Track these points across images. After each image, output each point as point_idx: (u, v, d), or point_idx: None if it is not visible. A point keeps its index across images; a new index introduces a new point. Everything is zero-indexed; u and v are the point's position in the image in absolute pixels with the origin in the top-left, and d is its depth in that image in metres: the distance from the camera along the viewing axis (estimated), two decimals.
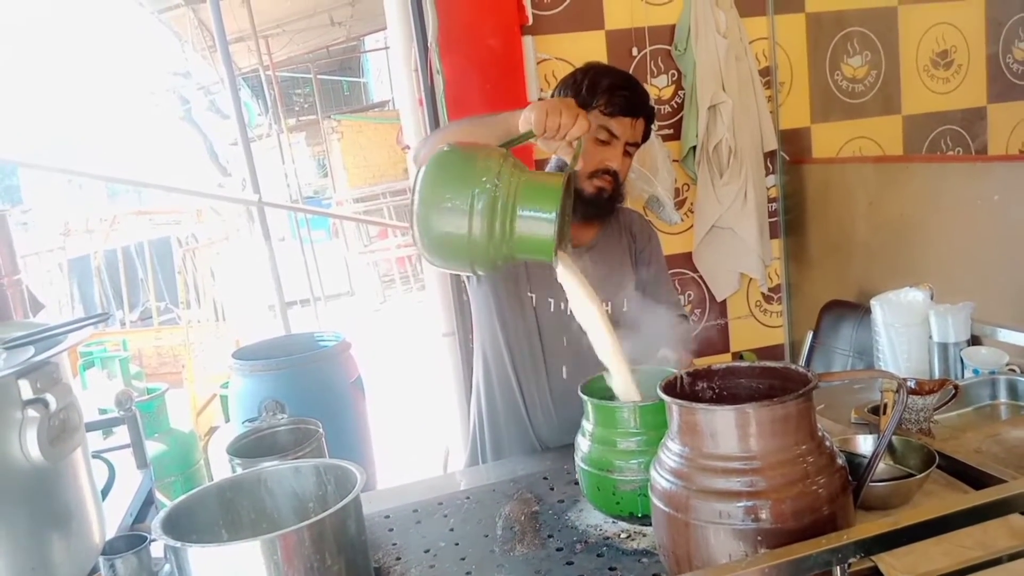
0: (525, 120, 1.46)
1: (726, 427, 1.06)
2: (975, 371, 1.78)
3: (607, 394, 1.45)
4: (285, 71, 11.78)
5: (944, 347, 1.83)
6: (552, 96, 1.86)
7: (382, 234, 10.07)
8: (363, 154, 11.07)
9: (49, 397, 1.12)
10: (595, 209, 1.80)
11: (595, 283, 1.78)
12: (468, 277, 1.93)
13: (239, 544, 1.12)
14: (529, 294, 1.84)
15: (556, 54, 2.85)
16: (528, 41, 2.71)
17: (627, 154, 1.78)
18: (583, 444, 1.44)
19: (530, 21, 2.71)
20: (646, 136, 1.82)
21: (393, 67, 2.90)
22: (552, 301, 1.79)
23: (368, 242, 10.23)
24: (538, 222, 1.31)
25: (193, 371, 5.01)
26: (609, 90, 1.74)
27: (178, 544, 1.08)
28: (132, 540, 1.34)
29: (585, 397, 1.43)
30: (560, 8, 2.82)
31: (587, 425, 1.44)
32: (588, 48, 2.88)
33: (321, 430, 1.55)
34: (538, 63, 2.78)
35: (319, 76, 12.16)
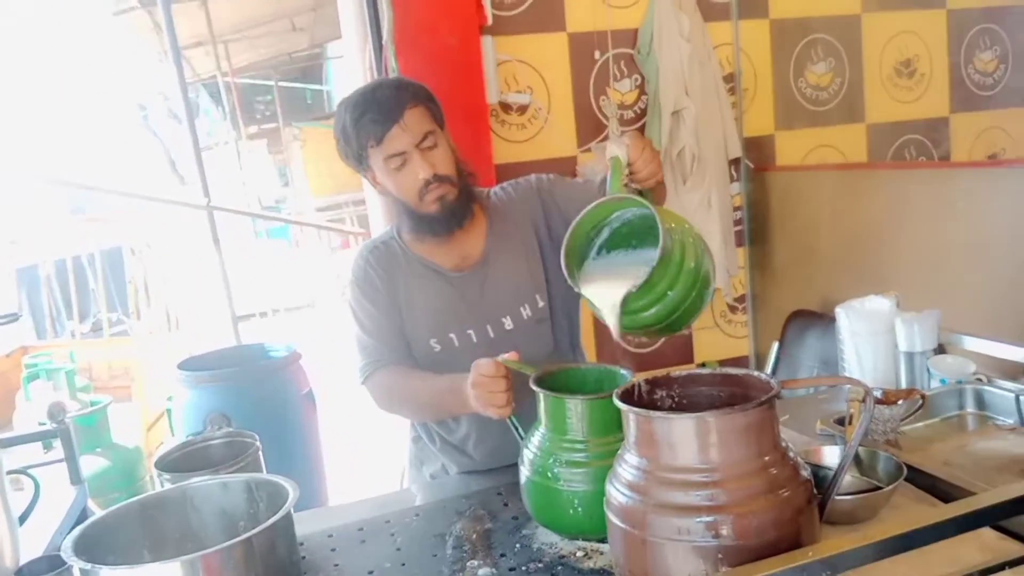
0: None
1: (685, 437, 1.01)
2: (942, 380, 1.74)
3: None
4: (246, 78, 11.63)
5: (910, 356, 1.79)
6: (340, 150, 1.68)
7: (344, 243, 9.94)
8: (325, 163, 10.94)
9: None
10: (455, 216, 1.65)
11: (496, 301, 1.70)
12: None
13: (156, 566, 1.03)
14: (432, 343, 1.72)
15: (517, 56, 2.79)
16: (488, 41, 2.65)
17: (430, 149, 1.59)
18: (527, 454, 1.36)
19: (489, 21, 2.65)
20: (436, 112, 1.64)
21: (347, 65, 2.81)
22: (454, 337, 1.71)
23: (330, 252, 10.10)
24: None
25: (143, 384, 4.84)
26: (358, 126, 1.58)
27: (88, 565, 0.99)
28: (53, 561, 1.24)
29: (537, 388, 1.35)
30: (521, 9, 2.77)
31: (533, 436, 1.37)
32: (549, 50, 2.83)
33: (258, 443, 1.46)
34: (498, 64, 2.71)
35: (281, 83, 12.03)
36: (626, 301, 1.24)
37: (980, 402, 1.70)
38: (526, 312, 1.72)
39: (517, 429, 1.43)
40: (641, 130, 2.96)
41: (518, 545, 1.36)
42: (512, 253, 1.73)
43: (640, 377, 1.18)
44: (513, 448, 1.45)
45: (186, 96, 4.11)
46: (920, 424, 1.65)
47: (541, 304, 1.72)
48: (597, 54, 2.88)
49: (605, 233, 1.37)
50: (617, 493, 1.06)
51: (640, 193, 1.42)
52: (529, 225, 1.75)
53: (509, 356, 1.43)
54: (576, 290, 1.31)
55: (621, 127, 2.93)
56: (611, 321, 1.25)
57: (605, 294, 1.28)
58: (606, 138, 2.88)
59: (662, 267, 1.22)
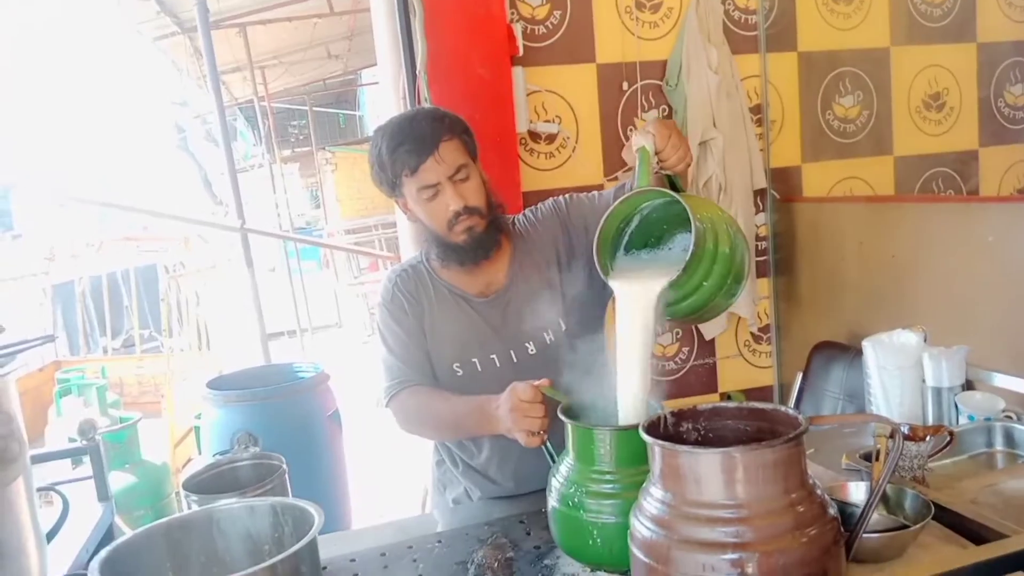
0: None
1: (711, 472, 1.00)
2: (970, 417, 1.72)
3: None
4: (281, 102, 11.83)
5: (938, 392, 1.77)
6: (374, 176, 1.71)
7: (372, 266, 10.02)
8: (356, 186, 11.08)
9: None
10: (482, 247, 1.67)
11: (519, 326, 1.71)
12: None
13: None
14: (455, 367, 1.74)
15: (546, 86, 2.82)
16: (518, 72, 2.68)
17: (462, 181, 1.62)
18: (554, 483, 1.36)
19: (520, 52, 2.69)
20: (470, 144, 1.66)
21: (381, 93, 2.86)
22: (477, 361, 1.72)
23: (358, 274, 10.18)
24: None
25: (173, 401, 4.89)
26: (393, 155, 1.61)
27: None
28: None
29: (565, 419, 1.35)
30: (551, 40, 2.81)
31: (561, 466, 1.37)
32: (578, 81, 2.86)
33: (284, 466, 1.47)
34: (528, 94, 2.75)
35: (315, 108, 12.22)
36: (661, 298, 1.26)
37: (1009, 439, 1.68)
38: (549, 337, 1.72)
39: (551, 455, 1.43)
40: None
41: (539, 575, 1.35)
42: (535, 279, 1.74)
43: (667, 409, 1.19)
44: (536, 472, 1.45)
45: (224, 120, 4.19)
46: (948, 461, 1.62)
47: (564, 329, 1.73)
48: (625, 85, 2.91)
49: (636, 221, 1.38)
50: (641, 527, 1.05)
51: (670, 179, 1.43)
52: (551, 250, 1.76)
53: (543, 382, 1.43)
54: (605, 281, 1.34)
55: None
56: (641, 320, 1.27)
57: (638, 292, 1.29)
58: (631, 170, 2.89)
59: (695, 261, 1.24)
